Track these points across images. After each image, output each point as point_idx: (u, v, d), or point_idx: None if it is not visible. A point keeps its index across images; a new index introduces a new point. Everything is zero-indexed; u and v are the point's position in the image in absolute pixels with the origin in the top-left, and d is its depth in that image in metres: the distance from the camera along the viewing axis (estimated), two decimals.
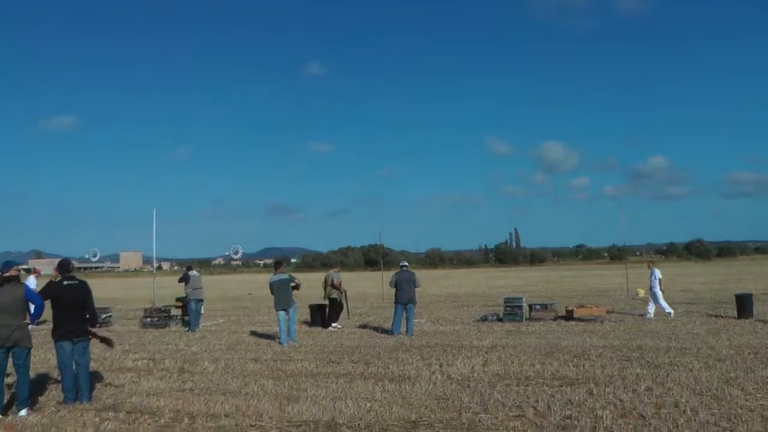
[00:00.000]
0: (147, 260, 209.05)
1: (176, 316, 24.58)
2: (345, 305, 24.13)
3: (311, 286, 25.40)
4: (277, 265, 20.30)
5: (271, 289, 19.48)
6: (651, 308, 23.27)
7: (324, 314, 23.36)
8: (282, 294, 19.22)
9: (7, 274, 11.14)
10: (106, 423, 9.98)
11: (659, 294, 23.23)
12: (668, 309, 23.18)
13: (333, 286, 23.09)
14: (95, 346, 13.03)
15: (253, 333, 21.65)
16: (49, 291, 11.75)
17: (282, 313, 19.10)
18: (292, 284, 19.41)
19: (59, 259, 12.75)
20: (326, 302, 23.41)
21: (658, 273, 23.42)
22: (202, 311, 24.16)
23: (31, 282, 24.76)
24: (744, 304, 22.22)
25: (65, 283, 11.71)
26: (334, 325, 22.48)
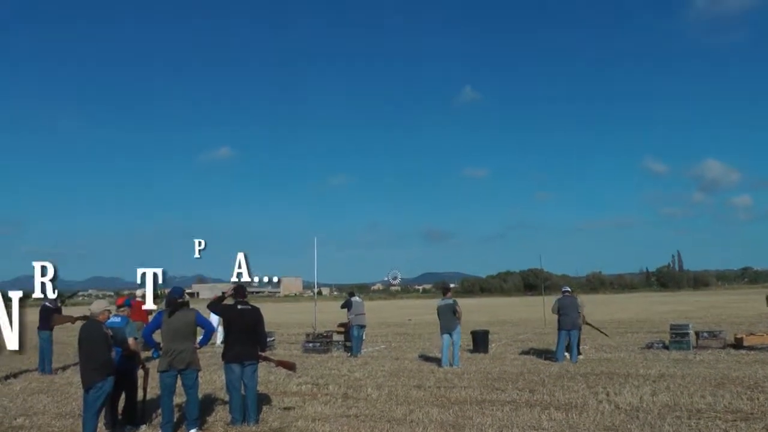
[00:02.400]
0: (307, 285, 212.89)
1: (338, 341, 24.76)
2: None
3: (471, 311, 24.97)
4: (445, 291, 20.88)
5: (437, 313, 19.87)
6: None
7: (486, 340, 23.21)
8: (446, 318, 19.47)
9: (180, 300, 11.48)
10: None
11: None
12: None
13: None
14: (260, 369, 13.21)
15: (415, 359, 21.62)
16: (224, 313, 12.07)
17: (446, 336, 19.40)
18: (453, 310, 19.48)
19: (221, 284, 13.01)
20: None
21: None
22: (364, 337, 24.30)
23: None
24: None
25: (239, 307, 11.99)
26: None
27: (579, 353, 20.58)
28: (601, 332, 22.88)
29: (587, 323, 21.69)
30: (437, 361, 20.07)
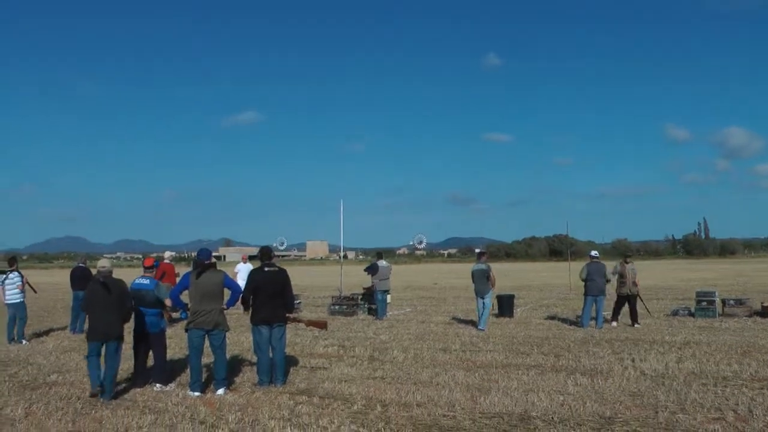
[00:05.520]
0: (333, 249, 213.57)
1: (363, 304, 24.82)
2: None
3: (497, 276, 24.71)
4: (480, 255, 21.39)
5: (471, 277, 20.29)
6: None
7: (511, 305, 23.28)
8: (479, 282, 19.88)
9: (207, 262, 11.59)
10: (300, 407, 10.19)
11: None
12: None
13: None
14: (288, 331, 13.31)
15: (441, 323, 21.73)
16: (251, 276, 12.15)
17: (479, 300, 19.83)
18: (487, 275, 19.84)
19: (248, 247, 13.11)
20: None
21: None
22: (389, 300, 24.32)
23: (243, 267, 25.45)
24: None
25: (266, 269, 12.05)
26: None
27: (637, 322, 20.22)
28: (646, 308, 22.63)
29: (638, 295, 21.18)
30: (463, 325, 20.29)
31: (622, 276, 20.56)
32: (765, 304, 22.24)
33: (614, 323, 20.35)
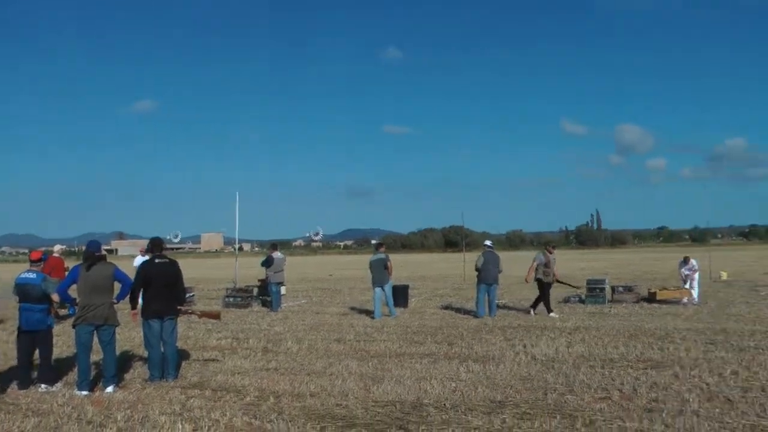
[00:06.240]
0: (228, 241, 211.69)
1: (258, 296, 24.68)
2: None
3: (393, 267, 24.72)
4: (378, 246, 21.74)
5: (370, 267, 20.61)
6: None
7: (406, 295, 23.38)
8: (377, 272, 20.23)
9: (98, 254, 11.31)
10: (192, 400, 10.04)
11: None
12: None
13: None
14: (180, 324, 13.11)
15: (336, 314, 21.77)
16: (142, 268, 11.91)
17: (377, 289, 20.21)
18: (385, 264, 20.26)
19: (141, 240, 12.89)
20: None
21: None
22: (284, 292, 24.21)
23: (139, 260, 24.98)
24: None
25: (156, 261, 11.83)
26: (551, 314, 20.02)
27: (535, 311, 20.35)
28: (571, 286, 23.12)
29: (558, 281, 21.34)
30: (357, 315, 20.46)
31: (547, 266, 20.60)
32: (651, 291, 23.03)
33: (552, 314, 19.92)
